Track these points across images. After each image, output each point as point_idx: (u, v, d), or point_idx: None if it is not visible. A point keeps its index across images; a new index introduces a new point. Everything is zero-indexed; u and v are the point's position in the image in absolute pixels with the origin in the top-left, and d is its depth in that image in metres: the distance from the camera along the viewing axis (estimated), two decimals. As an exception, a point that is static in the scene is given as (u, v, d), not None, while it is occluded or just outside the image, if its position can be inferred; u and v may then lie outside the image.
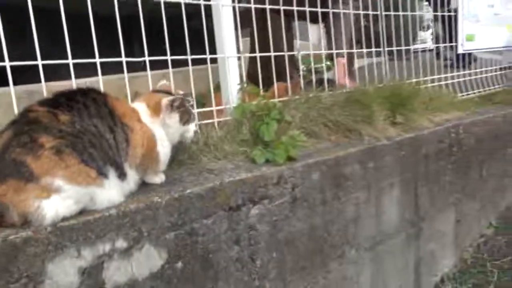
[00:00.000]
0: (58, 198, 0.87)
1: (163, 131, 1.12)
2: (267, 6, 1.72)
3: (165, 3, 1.34)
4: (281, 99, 1.64)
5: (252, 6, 1.59)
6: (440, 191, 1.97)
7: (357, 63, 2.38)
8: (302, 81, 1.80)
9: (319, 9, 1.90)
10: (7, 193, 0.84)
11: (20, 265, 0.84)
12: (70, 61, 1.17)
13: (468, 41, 2.55)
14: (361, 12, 2.12)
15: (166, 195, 1.06)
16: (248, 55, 1.56)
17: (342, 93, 1.76)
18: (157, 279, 1.04)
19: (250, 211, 1.23)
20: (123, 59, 1.25)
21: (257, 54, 1.63)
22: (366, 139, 1.63)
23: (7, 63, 1.09)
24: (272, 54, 1.68)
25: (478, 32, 2.61)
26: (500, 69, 3.04)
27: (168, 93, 1.15)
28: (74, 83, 1.19)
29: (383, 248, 1.70)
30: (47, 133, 0.87)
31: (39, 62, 1.13)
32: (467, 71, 2.79)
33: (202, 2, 1.42)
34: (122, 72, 1.30)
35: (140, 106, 1.10)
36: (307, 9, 1.85)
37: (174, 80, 1.37)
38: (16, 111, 1.03)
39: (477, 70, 2.87)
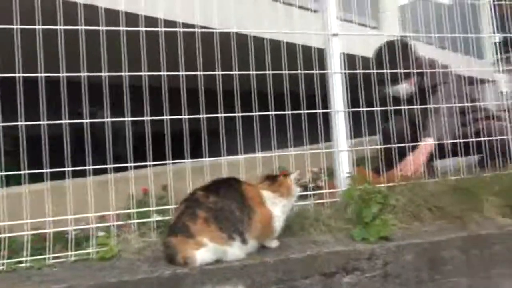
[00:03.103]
0: (204, 250, 1.39)
1: (280, 209, 1.56)
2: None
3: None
4: (389, 184, 1.91)
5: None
6: None
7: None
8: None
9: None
10: (177, 244, 1.40)
11: (180, 290, 1.37)
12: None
13: None
14: None
15: (275, 257, 1.48)
16: (356, 148, 1.91)
17: (449, 181, 1.91)
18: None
19: (342, 279, 1.53)
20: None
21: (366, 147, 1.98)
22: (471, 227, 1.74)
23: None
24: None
25: None
26: None
27: (276, 176, 1.62)
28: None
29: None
30: (202, 209, 1.42)
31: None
32: None
33: (319, 111, 1.88)
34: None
35: (265, 192, 1.57)
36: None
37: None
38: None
39: None
